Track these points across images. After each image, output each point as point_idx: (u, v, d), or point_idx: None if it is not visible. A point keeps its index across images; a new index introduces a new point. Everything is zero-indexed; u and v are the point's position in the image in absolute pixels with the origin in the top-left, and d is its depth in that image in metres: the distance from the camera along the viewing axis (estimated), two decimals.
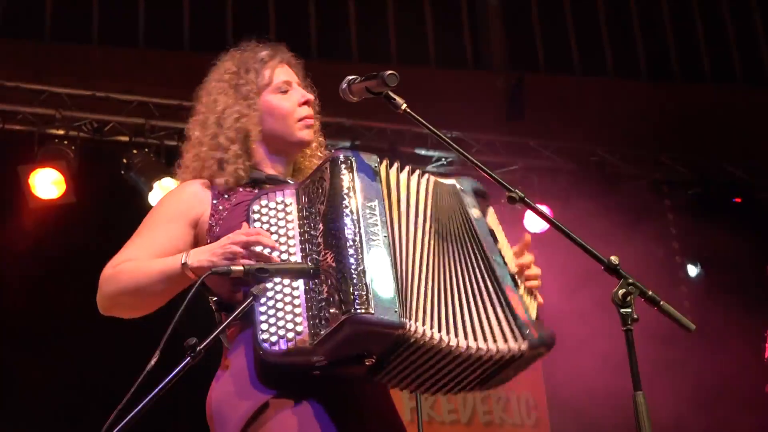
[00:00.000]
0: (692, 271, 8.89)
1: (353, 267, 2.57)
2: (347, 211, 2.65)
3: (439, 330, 2.64)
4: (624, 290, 2.58)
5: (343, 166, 2.72)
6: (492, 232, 2.86)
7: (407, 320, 2.58)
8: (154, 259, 2.83)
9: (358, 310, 2.52)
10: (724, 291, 8.40)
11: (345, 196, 2.67)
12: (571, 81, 9.66)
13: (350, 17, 9.44)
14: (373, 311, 2.52)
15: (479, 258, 2.79)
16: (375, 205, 2.70)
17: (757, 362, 6.82)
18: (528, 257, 2.87)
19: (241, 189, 2.96)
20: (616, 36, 10.06)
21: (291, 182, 2.97)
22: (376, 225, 2.67)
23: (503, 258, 2.82)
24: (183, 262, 2.73)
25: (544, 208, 7.84)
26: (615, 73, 9.92)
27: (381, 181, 2.77)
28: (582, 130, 8.76)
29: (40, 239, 7.41)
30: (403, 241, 2.71)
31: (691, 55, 10.11)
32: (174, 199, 3.00)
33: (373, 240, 2.64)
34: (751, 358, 7.33)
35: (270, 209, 2.77)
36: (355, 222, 2.64)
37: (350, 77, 2.93)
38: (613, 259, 2.63)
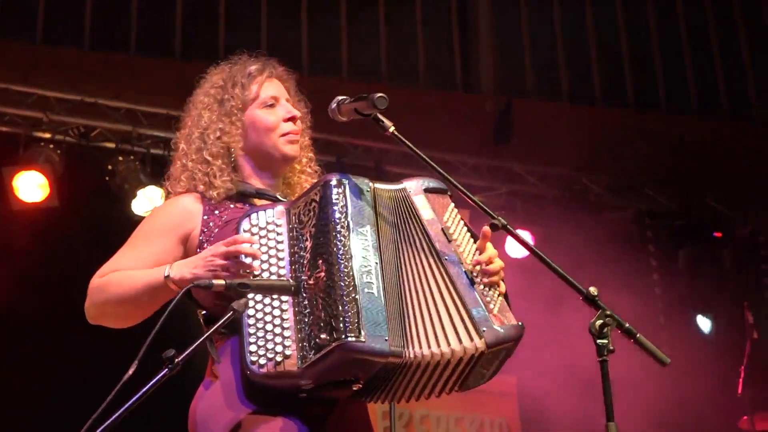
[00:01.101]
0: (704, 324, 8.74)
1: (345, 292, 2.59)
2: (339, 236, 2.67)
3: (421, 347, 2.64)
4: (601, 321, 2.60)
5: (336, 189, 2.74)
6: (445, 231, 2.82)
7: (396, 347, 2.59)
8: (139, 271, 2.84)
9: (349, 338, 2.53)
10: (700, 324, 8.43)
11: (337, 221, 2.69)
12: (559, 108, 9.69)
13: (341, 35, 9.46)
14: (363, 339, 2.54)
15: (432, 261, 2.76)
16: (367, 230, 2.72)
17: (731, 396, 6.86)
18: (488, 252, 2.81)
19: (231, 205, 2.97)
20: (605, 65, 10.11)
21: (282, 200, 2.98)
22: (368, 250, 2.68)
23: (458, 255, 2.78)
24: (166, 275, 2.75)
25: (526, 234, 7.87)
26: (603, 102, 9.97)
27: (372, 206, 2.78)
28: (567, 158, 8.79)
29: (22, 242, 7.38)
30: (391, 265, 2.73)
31: (678, 88, 10.16)
32: (165, 213, 3.01)
33: (365, 266, 2.65)
34: (726, 392, 7.36)
35: (260, 228, 2.78)
36: (347, 247, 2.65)
37: (340, 98, 2.95)
38: (592, 289, 2.65)
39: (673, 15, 10.37)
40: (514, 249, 7.97)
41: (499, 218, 2.77)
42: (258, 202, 3.00)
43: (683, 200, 9.01)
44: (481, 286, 2.75)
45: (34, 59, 8.21)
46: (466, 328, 2.67)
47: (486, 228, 2.83)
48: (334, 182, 2.75)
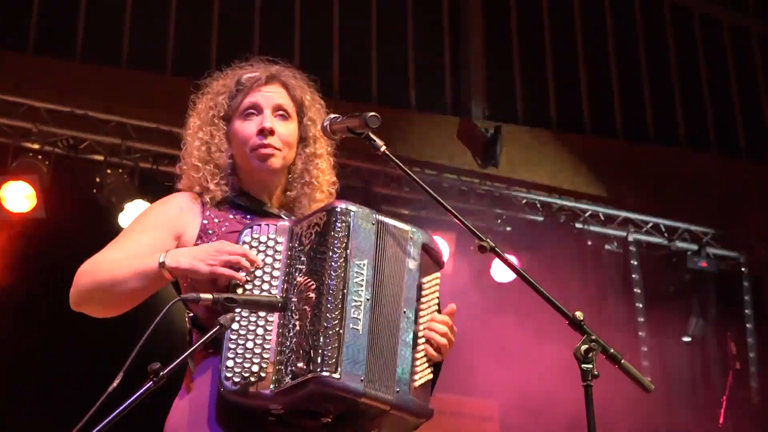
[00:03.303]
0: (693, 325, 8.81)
1: (329, 324, 2.57)
2: (335, 265, 2.64)
3: (388, 390, 2.64)
4: (587, 346, 2.61)
5: (341, 218, 2.70)
6: (420, 287, 2.81)
7: (371, 389, 2.58)
8: (132, 258, 2.81)
9: (324, 372, 2.52)
10: (684, 354, 8.45)
11: (336, 249, 2.66)
12: (548, 135, 9.72)
13: (334, 56, 9.48)
14: (338, 376, 2.53)
15: (394, 308, 2.74)
16: (364, 264, 2.69)
17: (712, 426, 6.87)
18: (444, 323, 2.81)
19: (230, 215, 2.95)
20: (595, 93, 10.15)
21: (285, 218, 2.94)
22: (361, 286, 2.66)
23: (416, 315, 2.77)
24: (161, 261, 2.73)
25: (512, 258, 7.87)
26: (591, 130, 10.01)
27: (374, 240, 2.75)
28: (555, 184, 8.82)
29: (6, 252, 7.35)
30: (381, 303, 2.70)
31: (667, 119, 10.22)
32: (161, 208, 3.01)
33: (355, 301, 2.63)
34: (707, 421, 7.38)
35: (260, 243, 2.76)
36: (341, 279, 2.63)
37: (332, 116, 2.95)
38: (578, 314, 2.66)
39: (663, 46, 10.44)
40: (501, 273, 8.00)
41: (488, 240, 2.77)
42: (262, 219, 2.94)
43: (669, 230, 9.05)
44: (419, 354, 2.74)
45: (25, 70, 8.19)
46: (385, 379, 2.65)
47: (452, 306, 2.84)
48: (339, 210, 2.72)
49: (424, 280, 2.83)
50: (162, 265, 2.72)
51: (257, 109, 3.01)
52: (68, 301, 2.89)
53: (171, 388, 2.58)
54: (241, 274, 2.68)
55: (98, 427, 2.21)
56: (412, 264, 2.81)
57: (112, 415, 2.24)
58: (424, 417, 2.71)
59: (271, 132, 2.97)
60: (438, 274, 2.89)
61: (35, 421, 7.01)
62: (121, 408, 2.25)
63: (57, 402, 6.79)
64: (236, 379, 2.58)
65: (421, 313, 2.79)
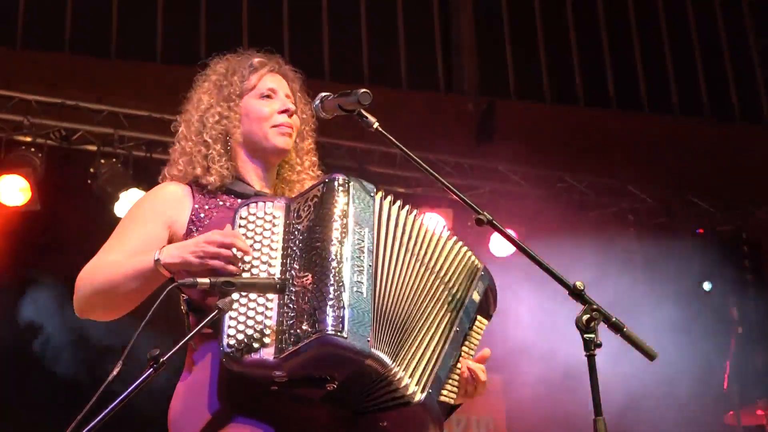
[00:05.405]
0: (707, 286, 8.90)
1: (333, 288, 2.55)
2: (336, 233, 2.64)
3: (398, 364, 2.62)
4: (588, 316, 2.60)
5: (340, 188, 2.72)
6: (473, 319, 2.87)
7: (377, 351, 2.56)
8: (127, 259, 2.80)
9: (330, 331, 2.49)
10: (685, 321, 8.46)
11: (336, 218, 2.67)
12: (542, 108, 9.72)
13: (324, 37, 9.46)
14: (345, 335, 2.50)
15: (450, 313, 2.80)
16: (365, 232, 2.69)
17: (716, 392, 6.88)
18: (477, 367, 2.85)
19: (220, 203, 2.94)
20: (587, 66, 10.14)
21: (281, 197, 2.93)
22: (363, 252, 2.65)
23: (464, 341, 2.82)
24: (156, 258, 2.71)
25: (509, 232, 7.86)
26: (585, 102, 10.00)
27: (375, 210, 2.76)
28: (550, 157, 8.81)
29: (2, 246, 7.34)
30: (386, 273, 2.70)
31: (659, 88, 10.22)
32: (150, 200, 2.99)
33: (357, 266, 2.62)
34: (710, 387, 7.39)
35: (257, 218, 2.75)
36: (342, 245, 2.63)
37: (323, 94, 2.94)
38: (579, 284, 2.65)
39: (654, 15, 10.42)
40: (499, 248, 7.99)
41: (485, 213, 2.76)
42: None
43: (665, 198, 9.05)
44: (456, 371, 2.78)
45: (15, 63, 8.18)
46: (423, 373, 2.66)
47: (487, 350, 2.88)
48: (339, 180, 2.74)
49: (479, 317, 2.90)
50: (157, 262, 2.71)
51: (274, 93, 3.09)
52: (65, 294, 2.87)
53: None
54: (236, 257, 2.66)
55: (100, 416, 2.20)
56: (476, 296, 2.89)
57: (113, 404, 2.23)
58: (433, 420, 2.70)
59: (294, 114, 3.08)
60: (487, 323, 2.95)
61: (32, 414, 7.01)
62: (122, 396, 2.24)
63: (56, 393, 6.79)
64: (239, 347, 2.55)
65: (466, 343, 2.85)
